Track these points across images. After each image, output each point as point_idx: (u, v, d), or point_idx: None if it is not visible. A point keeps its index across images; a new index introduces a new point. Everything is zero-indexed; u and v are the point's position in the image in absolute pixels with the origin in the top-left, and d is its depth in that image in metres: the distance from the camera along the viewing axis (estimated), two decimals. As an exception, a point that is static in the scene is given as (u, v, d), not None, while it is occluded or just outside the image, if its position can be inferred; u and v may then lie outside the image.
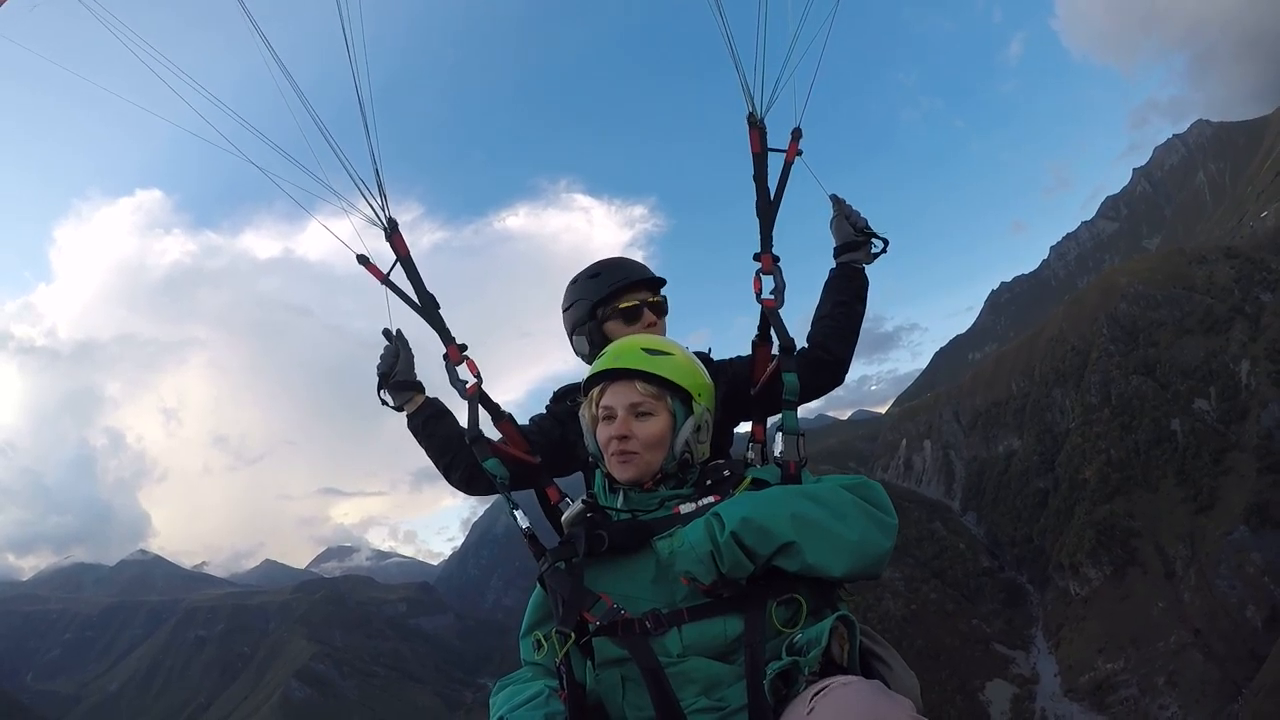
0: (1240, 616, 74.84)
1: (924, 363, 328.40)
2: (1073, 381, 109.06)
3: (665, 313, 3.06)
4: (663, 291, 3.05)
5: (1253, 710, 62.69)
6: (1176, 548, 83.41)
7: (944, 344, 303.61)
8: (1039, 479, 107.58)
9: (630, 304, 2.96)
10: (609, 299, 2.97)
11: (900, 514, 2.21)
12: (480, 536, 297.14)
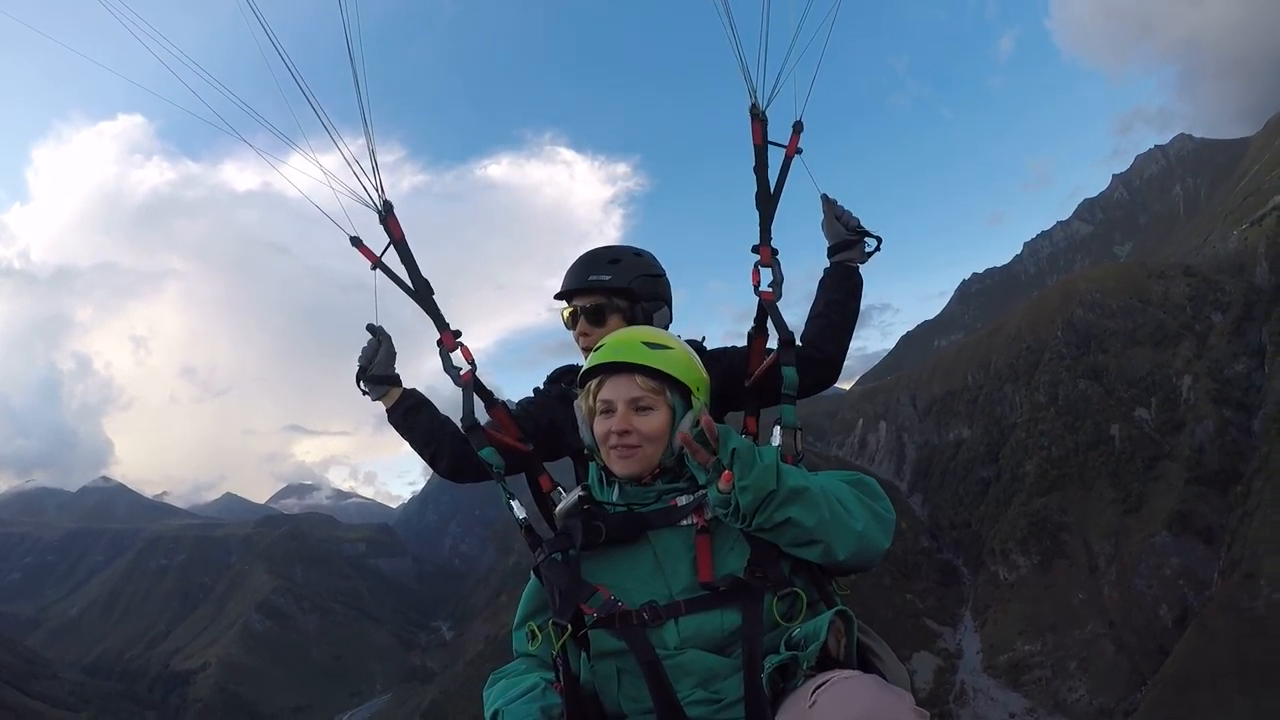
0: (1154, 614, 77.56)
1: (892, 343, 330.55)
2: (1024, 379, 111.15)
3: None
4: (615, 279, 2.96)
5: (1153, 699, 65.75)
6: (1102, 544, 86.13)
7: (912, 328, 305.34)
8: (983, 468, 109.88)
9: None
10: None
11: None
12: (440, 483, 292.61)
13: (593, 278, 2.89)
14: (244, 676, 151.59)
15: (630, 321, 2.86)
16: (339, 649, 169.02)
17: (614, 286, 2.88)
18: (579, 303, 2.93)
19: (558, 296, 2.99)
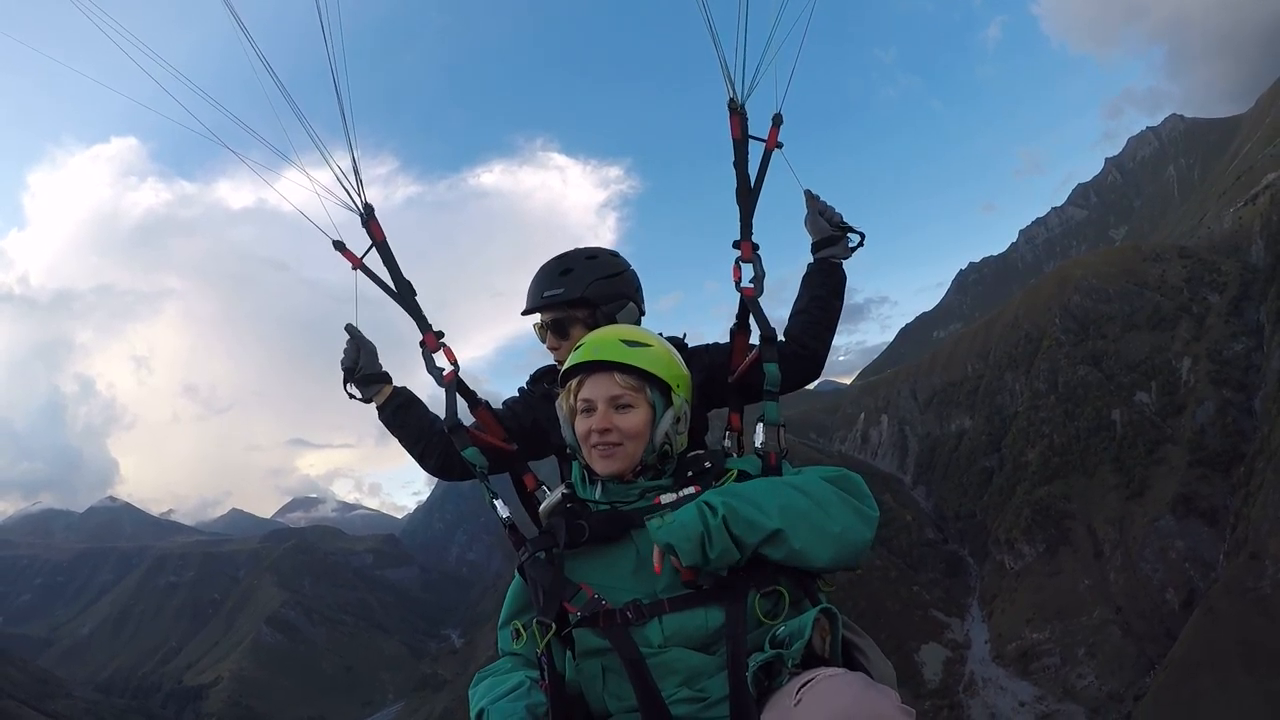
0: (1160, 598, 77.52)
1: (891, 336, 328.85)
2: (1024, 367, 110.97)
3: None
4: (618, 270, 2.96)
5: (1160, 682, 65.95)
6: (1106, 530, 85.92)
7: (911, 320, 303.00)
8: (985, 458, 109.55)
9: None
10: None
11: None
12: (445, 491, 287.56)
13: (547, 294, 2.89)
14: (256, 690, 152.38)
15: (593, 328, 2.75)
16: (350, 660, 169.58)
17: (567, 299, 2.87)
18: (542, 319, 2.96)
19: (524, 313, 3.00)
